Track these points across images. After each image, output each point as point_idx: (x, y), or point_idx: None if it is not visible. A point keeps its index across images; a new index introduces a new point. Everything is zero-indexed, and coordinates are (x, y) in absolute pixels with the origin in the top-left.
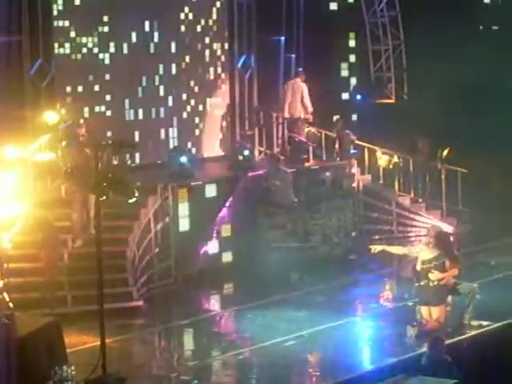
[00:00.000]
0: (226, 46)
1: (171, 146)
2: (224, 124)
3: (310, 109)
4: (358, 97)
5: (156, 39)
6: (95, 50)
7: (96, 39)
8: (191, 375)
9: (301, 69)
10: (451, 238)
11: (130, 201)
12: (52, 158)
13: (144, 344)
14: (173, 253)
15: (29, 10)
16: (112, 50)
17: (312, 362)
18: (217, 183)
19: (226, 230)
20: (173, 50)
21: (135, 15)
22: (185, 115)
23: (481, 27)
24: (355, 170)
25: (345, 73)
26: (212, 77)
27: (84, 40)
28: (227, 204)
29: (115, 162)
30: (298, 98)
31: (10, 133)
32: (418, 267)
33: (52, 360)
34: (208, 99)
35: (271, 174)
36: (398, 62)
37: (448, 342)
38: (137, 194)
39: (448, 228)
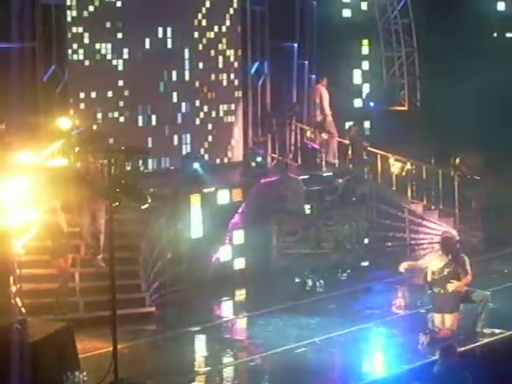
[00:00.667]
0: (240, 52)
1: (184, 153)
2: (237, 130)
3: (329, 111)
4: (371, 104)
5: (169, 45)
6: (109, 57)
7: (109, 45)
8: (203, 381)
9: (314, 76)
10: (457, 243)
11: (143, 207)
12: (65, 164)
13: (156, 350)
14: (185, 259)
15: (43, 17)
16: (125, 56)
17: (324, 369)
18: (229, 189)
19: (239, 237)
20: (186, 56)
21: (149, 22)
22: (198, 121)
23: (495, 34)
24: (368, 176)
25: (358, 80)
26: (225, 83)
27: (97, 46)
28: (240, 210)
29: (128, 168)
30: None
31: (23, 139)
32: (429, 278)
33: (64, 365)
34: (221, 105)
35: (281, 182)
36: (411, 69)
37: (460, 349)
38: (149, 200)
39: (454, 233)
